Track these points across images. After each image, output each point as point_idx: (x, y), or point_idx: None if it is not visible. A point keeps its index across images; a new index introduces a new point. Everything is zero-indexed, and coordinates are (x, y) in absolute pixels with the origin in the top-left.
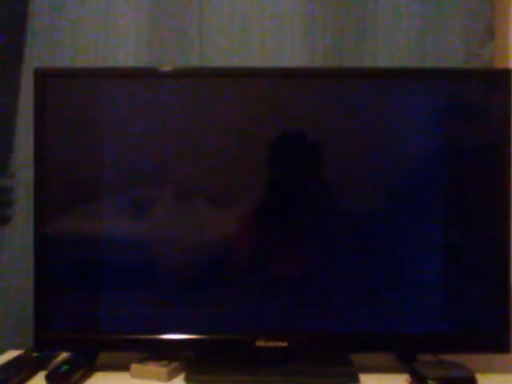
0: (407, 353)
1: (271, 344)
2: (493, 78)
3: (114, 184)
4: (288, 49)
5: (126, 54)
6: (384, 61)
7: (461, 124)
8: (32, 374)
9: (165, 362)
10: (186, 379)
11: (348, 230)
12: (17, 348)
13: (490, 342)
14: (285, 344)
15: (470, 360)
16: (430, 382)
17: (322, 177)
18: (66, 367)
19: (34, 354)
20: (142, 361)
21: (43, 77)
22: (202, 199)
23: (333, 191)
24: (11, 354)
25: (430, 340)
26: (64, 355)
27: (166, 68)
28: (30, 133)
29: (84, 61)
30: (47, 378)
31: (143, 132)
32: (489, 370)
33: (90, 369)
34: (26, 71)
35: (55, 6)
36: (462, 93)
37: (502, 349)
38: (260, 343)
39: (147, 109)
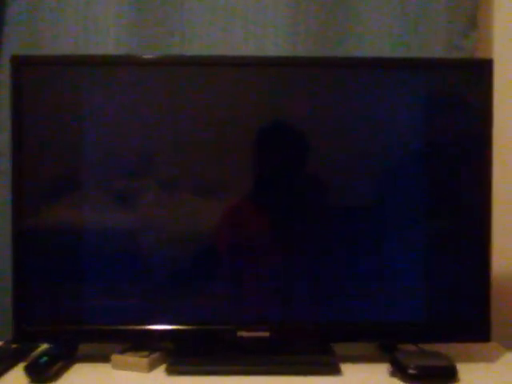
0: (388, 342)
1: (253, 334)
2: (475, 68)
3: (96, 174)
4: (271, 37)
5: (107, 41)
6: (367, 51)
7: (443, 114)
8: (11, 365)
9: (146, 353)
10: (167, 370)
11: (330, 220)
12: None
13: (471, 331)
14: (266, 334)
15: (450, 349)
16: (410, 371)
17: (307, 166)
18: (45, 358)
19: (13, 346)
20: (122, 352)
21: (20, 65)
22: (188, 190)
23: (318, 181)
24: None
25: (411, 330)
26: (44, 346)
27: (148, 56)
28: (8, 122)
29: (64, 48)
30: (26, 369)
31: (125, 121)
32: (469, 359)
33: (70, 360)
34: (5, 59)
35: None
36: (444, 83)
37: (482, 338)
38: (242, 333)
39: (128, 98)
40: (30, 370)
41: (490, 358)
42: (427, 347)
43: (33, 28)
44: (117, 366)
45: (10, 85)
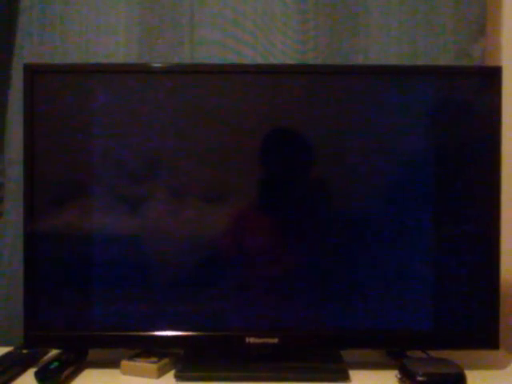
0: (397, 349)
1: (261, 340)
2: (484, 75)
3: (105, 181)
4: (280, 45)
5: (117, 49)
6: (376, 58)
7: (452, 122)
8: (21, 371)
9: (155, 359)
10: (176, 376)
11: (338, 227)
12: (6, 345)
13: (480, 338)
14: (275, 340)
15: (459, 356)
16: (419, 378)
17: (314, 173)
18: (55, 364)
19: (24, 351)
20: (132, 357)
21: (33, 73)
22: (195, 196)
23: (325, 188)
24: (0, 351)
25: (420, 336)
26: (54, 352)
27: (158, 64)
28: (21, 129)
29: (75, 56)
30: (36, 375)
31: (134, 128)
32: (478, 366)
33: (80, 366)
34: (16, 68)
35: (45, 3)
36: (453, 90)
37: (491, 345)
38: (250, 340)
39: (138, 105)
40: (40, 376)
41: (498, 366)
42: (436, 354)
43: (44, 37)
44: (126, 372)
45: (23, 93)
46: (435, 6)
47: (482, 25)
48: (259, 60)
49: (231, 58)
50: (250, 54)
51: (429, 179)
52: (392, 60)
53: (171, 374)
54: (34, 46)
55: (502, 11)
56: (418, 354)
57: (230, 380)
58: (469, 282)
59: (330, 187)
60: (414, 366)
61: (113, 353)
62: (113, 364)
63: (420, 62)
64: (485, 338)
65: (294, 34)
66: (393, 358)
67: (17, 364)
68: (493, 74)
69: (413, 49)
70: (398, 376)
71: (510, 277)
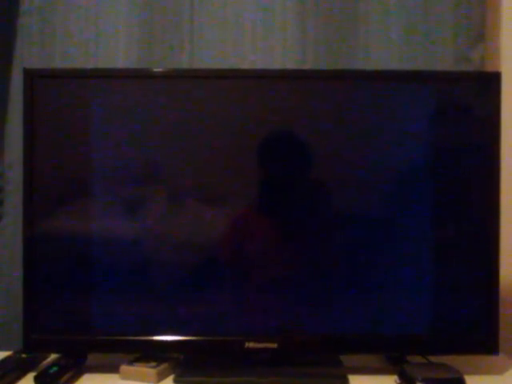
0: (396, 354)
1: (261, 345)
2: (483, 80)
3: (105, 184)
4: (280, 49)
5: (117, 53)
6: (375, 63)
7: (451, 127)
8: (21, 375)
9: (154, 364)
10: (175, 380)
11: (337, 231)
12: (5, 349)
13: (479, 343)
14: (274, 345)
15: (459, 361)
16: (418, 383)
17: (313, 177)
18: (54, 369)
19: (23, 355)
20: (131, 362)
21: (33, 77)
22: (194, 199)
23: (324, 191)
24: None
25: (419, 341)
26: (53, 356)
27: (157, 69)
28: (20, 132)
29: (74, 59)
30: (36, 379)
31: (133, 132)
32: (477, 371)
33: (79, 370)
34: (16, 72)
35: (45, 6)
36: (452, 95)
37: (490, 351)
38: (249, 345)
39: (137, 109)
40: (40, 380)
41: (498, 371)
42: (435, 359)
43: (44, 41)
44: (125, 377)
45: (23, 97)
46: (434, 12)
47: (482, 30)
48: (259, 61)
49: (231, 60)
50: (249, 56)
51: (428, 183)
52: (391, 65)
53: (170, 378)
54: (34, 49)
55: (502, 16)
56: (418, 359)
57: None
58: (468, 287)
59: (329, 192)
60: (413, 371)
61: (112, 357)
62: (112, 368)
63: (419, 67)
64: (484, 342)
65: (293, 37)
66: (392, 363)
67: (16, 368)
68: (492, 80)
69: (412, 54)
70: (398, 381)
71: (509, 282)
